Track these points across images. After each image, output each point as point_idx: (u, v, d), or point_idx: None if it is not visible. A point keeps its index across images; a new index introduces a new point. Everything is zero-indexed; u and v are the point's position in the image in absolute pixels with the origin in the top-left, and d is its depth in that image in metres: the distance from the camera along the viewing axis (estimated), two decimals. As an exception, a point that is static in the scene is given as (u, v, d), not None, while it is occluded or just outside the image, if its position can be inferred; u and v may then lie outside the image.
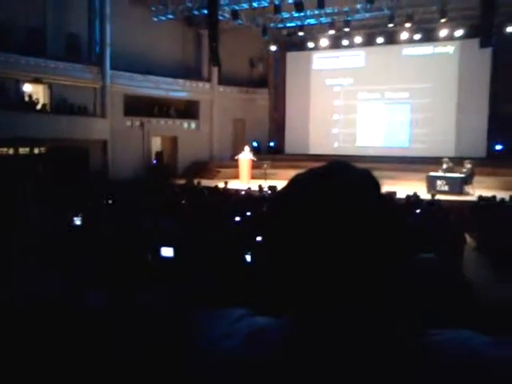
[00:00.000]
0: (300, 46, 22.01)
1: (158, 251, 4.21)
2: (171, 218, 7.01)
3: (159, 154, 20.80)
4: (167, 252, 4.20)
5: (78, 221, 5.75)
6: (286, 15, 18.87)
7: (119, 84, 18.35)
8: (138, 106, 19.38)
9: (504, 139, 18.54)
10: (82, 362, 1.32)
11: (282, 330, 0.74)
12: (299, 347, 0.70)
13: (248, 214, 8.59)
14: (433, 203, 11.03)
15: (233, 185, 15.45)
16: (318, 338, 0.69)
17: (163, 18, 19.09)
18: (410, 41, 19.33)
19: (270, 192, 12.86)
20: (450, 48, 19.42)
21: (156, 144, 20.86)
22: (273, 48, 21.43)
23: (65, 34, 17.11)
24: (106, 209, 8.75)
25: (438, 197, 12.32)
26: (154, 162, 20.38)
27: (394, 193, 12.31)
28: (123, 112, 18.80)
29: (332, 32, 19.26)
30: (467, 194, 14.27)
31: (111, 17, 17.77)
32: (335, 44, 20.80)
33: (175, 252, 4.15)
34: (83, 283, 1.67)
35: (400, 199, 11.66)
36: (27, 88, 16.10)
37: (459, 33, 18.31)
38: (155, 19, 19.01)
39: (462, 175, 14.52)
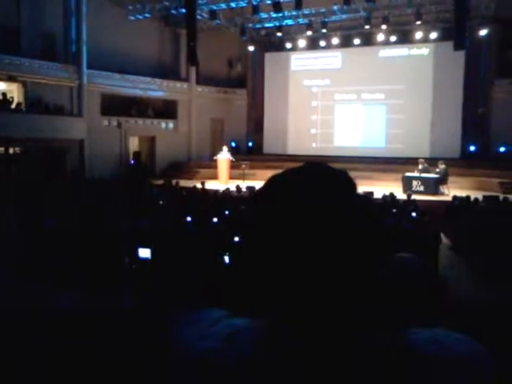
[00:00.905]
0: (278, 46, 22.10)
1: (136, 252, 4.16)
2: (149, 219, 6.95)
3: (137, 154, 20.63)
4: (144, 253, 4.15)
5: (51, 222, 5.64)
6: (264, 16, 18.89)
7: (96, 83, 18.12)
8: (116, 106, 19.19)
9: (477, 140, 18.93)
10: (55, 364, 1.30)
11: (260, 331, 0.73)
12: (276, 349, 0.70)
13: (226, 214, 8.59)
14: (409, 203, 11.18)
15: (211, 185, 15.41)
16: (295, 339, 0.69)
17: (140, 17, 18.92)
18: (386, 42, 19.57)
19: (248, 192, 12.87)
20: (424, 50, 19.72)
21: (134, 144, 20.68)
22: (251, 48, 21.45)
23: (40, 33, 16.79)
24: (82, 209, 8.63)
25: (414, 197, 12.47)
26: (132, 162, 20.19)
27: (371, 193, 12.45)
28: (100, 111, 18.57)
29: (309, 33, 19.39)
30: (442, 194, 14.51)
31: (87, 15, 17.54)
32: (313, 45, 20.97)
33: (152, 253, 4.11)
34: (57, 286, 1.64)
35: (377, 199, 11.79)
36: (1, 86, 15.78)
37: (434, 35, 18.65)
38: (132, 18, 18.84)
39: (437, 176, 14.75)
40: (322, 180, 0.72)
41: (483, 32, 17.63)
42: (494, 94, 18.86)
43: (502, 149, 18.23)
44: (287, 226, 0.67)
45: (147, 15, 18.84)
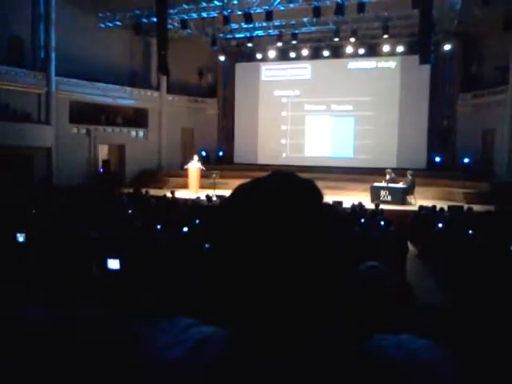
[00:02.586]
0: (249, 56, 22.28)
1: (104, 263, 4.10)
2: (118, 228, 6.87)
3: (106, 163, 20.36)
4: (113, 264, 4.08)
5: (21, 237, 5.50)
6: (235, 26, 19.01)
7: (65, 90, 17.86)
8: (85, 114, 18.90)
9: (442, 152, 19.44)
10: (22, 377, 1.28)
11: (227, 339, 0.73)
12: (243, 356, 0.70)
13: (196, 223, 8.56)
14: (377, 213, 11.35)
15: (181, 194, 15.32)
16: (261, 347, 0.68)
17: (111, 25, 18.78)
18: (355, 55, 19.99)
19: (218, 201, 12.85)
20: (392, 63, 20.20)
21: (103, 152, 20.41)
22: (222, 58, 21.54)
23: (7, 37, 16.47)
24: (50, 219, 8.46)
25: (382, 206, 12.66)
26: (101, 170, 19.90)
27: (341, 202, 12.59)
28: (69, 119, 18.28)
29: (280, 44, 19.64)
30: (409, 203, 14.77)
31: (57, 22, 17.30)
32: (283, 56, 21.24)
33: (121, 263, 4.04)
34: (24, 299, 1.62)
35: (346, 208, 11.93)
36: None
37: (400, 49, 19.13)
38: (102, 26, 18.67)
39: (404, 186, 15.04)
40: (287, 189, 0.72)
41: (447, 47, 18.21)
42: (458, 107, 19.47)
43: (466, 160, 18.78)
44: (252, 236, 0.67)
45: (118, 23, 18.71)
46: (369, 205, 13.12)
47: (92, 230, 6.29)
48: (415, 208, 13.07)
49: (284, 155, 22.02)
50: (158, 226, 7.96)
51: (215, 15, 17.68)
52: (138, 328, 1.25)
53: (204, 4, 17.12)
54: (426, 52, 12.82)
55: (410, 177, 15.21)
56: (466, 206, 12.15)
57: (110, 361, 1.26)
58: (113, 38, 19.38)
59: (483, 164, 18.58)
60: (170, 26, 17.37)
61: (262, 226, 0.67)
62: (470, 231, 8.68)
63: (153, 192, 15.05)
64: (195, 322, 0.82)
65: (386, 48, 19.24)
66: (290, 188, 0.72)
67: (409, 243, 9.46)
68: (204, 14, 17.70)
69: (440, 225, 9.58)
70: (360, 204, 11.97)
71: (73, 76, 17.92)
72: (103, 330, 1.36)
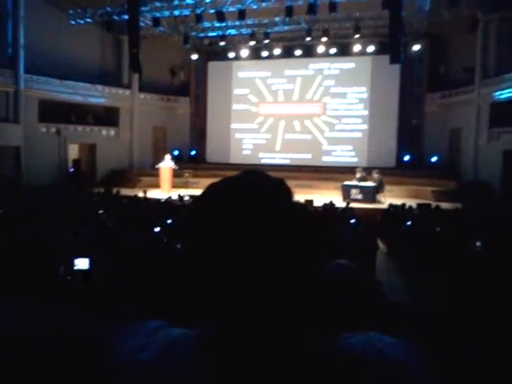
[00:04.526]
0: (221, 55, 22.23)
1: (72, 263, 4.03)
2: (88, 228, 6.79)
3: (76, 162, 20.01)
4: (82, 264, 4.03)
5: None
6: (207, 25, 18.95)
7: (34, 88, 17.46)
8: (55, 112, 18.50)
9: (411, 150, 19.82)
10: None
11: (198, 340, 0.73)
12: (213, 357, 0.70)
13: (169, 223, 8.52)
14: (347, 211, 11.50)
15: (153, 194, 15.22)
16: (232, 347, 0.69)
17: (81, 22, 18.45)
18: (327, 54, 20.15)
19: (190, 201, 12.80)
20: (363, 63, 20.42)
21: (73, 151, 20.06)
22: (194, 57, 21.43)
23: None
24: (17, 218, 8.30)
25: (353, 205, 12.84)
26: (71, 169, 19.57)
27: (312, 201, 12.70)
28: (38, 118, 17.89)
29: (252, 43, 19.67)
30: (379, 202, 15.03)
31: (25, 18, 16.91)
32: (255, 55, 21.26)
33: (91, 263, 3.99)
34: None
35: (317, 207, 12.04)
36: None
37: (371, 49, 19.38)
38: (73, 23, 18.34)
39: (374, 184, 15.28)
40: (257, 188, 0.72)
41: (416, 47, 18.55)
42: (426, 106, 19.87)
43: (433, 159, 19.20)
44: (222, 235, 0.68)
45: (88, 20, 18.38)
46: (340, 203, 13.28)
47: (61, 231, 6.20)
48: (385, 206, 13.30)
49: (256, 154, 22.08)
50: (130, 226, 7.90)
51: (187, 13, 17.56)
52: (106, 331, 1.26)
53: (176, 2, 16.98)
54: (395, 52, 13.02)
55: (376, 175, 15.46)
56: (434, 204, 12.42)
57: (78, 365, 1.25)
58: (83, 35, 19.03)
59: (450, 162, 19.04)
60: (141, 24, 17.20)
61: (232, 225, 0.68)
62: (438, 228, 8.88)
63: (124, 192, 14.90)
64: (165, 324, 0.82)
65: (357, 48, 19.46)
66: (260, 187, 0.73)
67: (378, 241, 9.63)
68: (176, 12, 17.54)
69: (409, 222, 9.77)
70: (331, 203, 12.10)
71: (42, 74, 17.53)
72: (70, 332, 1.35)
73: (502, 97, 16.07)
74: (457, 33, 17.92)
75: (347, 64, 20.74)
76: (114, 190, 14.55)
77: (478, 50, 17.24)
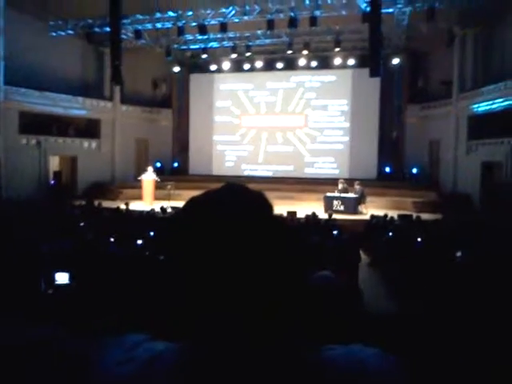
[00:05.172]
0: (203, 68, 22.31)
1: (52, 277, 3.98)
2: (69, 242, 6.71)
3: (57, 174, 19.78)
4: (62, 278, 3.98)
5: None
6: (189, 37, 19.01)
7: (14, 100, 17.22)
8: (35, 124, 18.24)
9: (392, 162, 20.07)
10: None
11: (180, 354, 0.73)
12: (196, 372, 0.69)
13: (151, 235, 8.46)
14: (330, 222, 11.56)
15: (136, 206, 15.11)
16: (215, 362, 0.68)
17: (62, 33, 18.35)
18: (308, 67, 20.38)
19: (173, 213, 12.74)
20: (343, 76, 20.68)
21: (54, 163, 19.83)
22: (176, 69, 21.47)
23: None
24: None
25: (335, 216, 12.90)
26: (52, 182, 19.33)
27: (294, 212, 12.75)
28: (18, 129, 17.65)
29: (234, 56, 19.79)
30: (361, 213, 15.15)
31: (5, 29, 16.73)
32: (237, 67, 21.40)
33: (71, 278, 3.94)
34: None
35: (300, 218, 12.09)
36: None
37: (352, 62, 19.67)
38: (54, 34, 18.24)
39: (356, 195, 15.40)
40: (238, 202, 0.73)
41: (396, 61, 18.89)
42: (406, 118, 20.18)
43: (414, 170, 19.46)
44: (204, 249, 0.68)
45: (70, 32, 18.30)
46: (322, 214, 13.34)
47: (41, 244, 6.11)
48: (367, 217, 13.40)
49: (239, 166, 22.13)
50: (111, 239, 7.83)
51: (170, 26, 17.62)
52: (88, 345, 1.25)
53: (158, 15, 17.03)
54: (375, 65, 13.20)
55: (357, 187, 15.60)
56: (414, 215, 12.56)
57: (60, 379, 1.24)
58: (65, 46, 18.94)
59: (430, 174, 19.32)
60: (123, 36, 17.18)
61: (213, 238, 0.68)
62: (419, 239, 8.97)
63: (106, 204, 14.78)
64: (146, 338, 0.81)
65: (337, 61, 19.72)
66: (240, 200, 0.73)
67: (361, 252, 9.68)
68: (158, 25, 17.59)
69: (390, 233, 9.86)
70: (314, 214, 12.15)
71: (22, 85, 17.35)
72: (52, 347, 1.34)
73: (480, 109, 16.41)
74: (434, 47, 18.29)
75: (328, 77, 20.97)
76: (96, 203, 14.42)
77: (455, 63, 17.63)
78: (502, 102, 15.06)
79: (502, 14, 15.41)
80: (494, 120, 15.74)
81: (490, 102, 15.68)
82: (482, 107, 16.22)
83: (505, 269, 5.99)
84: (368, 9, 13.74)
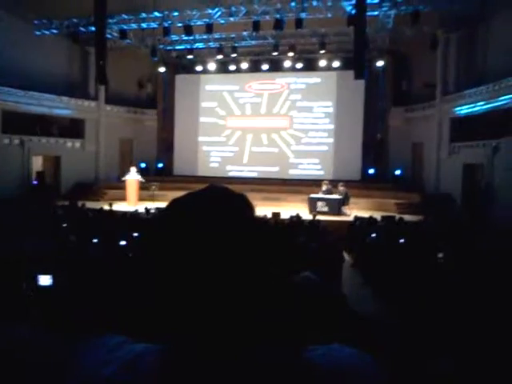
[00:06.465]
0: (189, 68, 22.27)
1: (35, 279, 3.95)
2: (51, 243, 6.65)
3: (40, 174, 19.56)
4: (45, 280, 3.94)
5: None
6: (175, 38, 18.96)
7: (-4, 99, 17.05)
8: (18, 123, 18.05)
9: (376, 164, 20.24)
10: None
11: (159, 356, 0.73)
12: (174, 374, 0.69)
13: (135, 236, 8.42)
14: (314, 223, 11.60)
15: (119, 207, 15.03)
16: (195, 361, 0.69)
17: (47, 33, 18.17)
18: (293, 69, 20.45)
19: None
20: (328, 78, 20.80)
21: (37, 163, 19.62)
22: (162, 69, 21.38)
23: None
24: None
25: (319, 217, 12.96)
26: (35, 182, 19.10)
27: (279, 213, 12.79)
28: (1, 129, 17.43)
29: (220, 57, 19.80)
30: (344, 214, 15.24)
31: (-12, 28, 16.54)
32: (223, 68, 21.39)
33: (54, 280, 3.91)
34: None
35: (284, 219, 12.13)
36: None
37: (337, 64, 19.76)
38: (38, 33, 18.04)
39: (340, 197, 15.50)
40: (219, 203, 0.73)
41: (380, 63, 19.06)
42: (390, 121, 20.36)
43: (397, 172, 19.64)
44: (184, 250, 0.68)
45: (54, 31, 18.13)
46: (307, 215, 13.40)
47: (24, 245, 6.05)
48: (350, 218, 13.48)
49: (224, 167, 22.13)
50: (95, 240, 7.77)
51: (155, 26, 17.55)
52: (70, 346, 1.25)
53: (144, 15, 16.97)
54: (360, 68, 13.29)
55: (341, 188, 15.71)
56: (397, 216, 12.67)
57: (40, 381, 1.24)
58: (49, 46, 18.76)
59: (413, 176, 19.53)
60: (108, 36, 17.07)
61: (193, 240, 0.68)
62: (402, 240, 9.06)
63: (90, 205, 14.67)
64: (128, 339, 0.81)
65: (322, 63, 19.82)
66: (222, 202, 0.74)
67: (344, 253, 9.75)
68: (144, 25, 17.52)
69: (373, 235, 9.94)
70: (298, 215, 12.19)
71: (6, 84, 17.13)
72: (34, 349, 1.34)
73: (462, 112, 16.64)
74: (418, 50, 18.48)
75: (313, 79, 21.09)
76: (79, 203, 14.30)
77: (439, 66, 17.84)
78: (483, 104, 15.28)
79: (485, 18, 15.65)
80: (475, 122, 15.99)
81: (472, 105, 15.90)
82: (465, 110, 16.44)
83: (484, 268, 6.09)
84: (353, 11, 13.85)
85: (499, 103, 14.49)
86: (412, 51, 19.27)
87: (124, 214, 12.21)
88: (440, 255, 7.40)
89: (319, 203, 15.35)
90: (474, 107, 15.87)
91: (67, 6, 16.66)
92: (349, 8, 14.98)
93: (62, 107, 19.70)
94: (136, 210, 13.22)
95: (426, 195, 17.51)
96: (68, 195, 18.46)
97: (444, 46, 17.54)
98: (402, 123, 20.00)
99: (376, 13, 15.39)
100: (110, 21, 16.61)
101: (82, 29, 17.85)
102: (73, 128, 20.71)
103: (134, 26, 17.58)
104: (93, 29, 16.08)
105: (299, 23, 15.54)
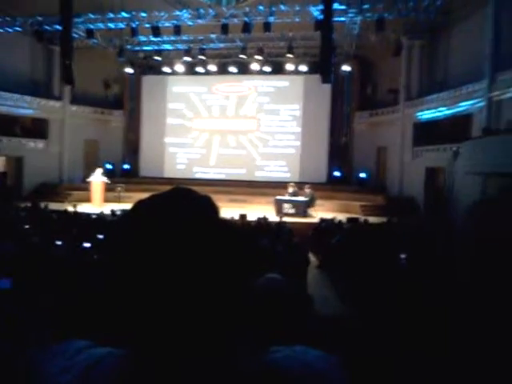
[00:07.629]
0: (156, 69, 22.07)
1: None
2: (12, 245, 6.51)
3: (2, 175, 19.06)
4: (3, 283, 3.85)
5: None
6: (143, 39, 18.80)
7: (-45, 98, 16.51)
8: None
9: (341, 166, 20.56)
10: None
11: (121, 360, 0.72)
12: (138, 378, 0.68)
13: (100, 238, 8.33)
14: (280, 225, 11.70)
15: (84, 208, 14.78)
16: (157, 367, 0.67)
17: (10, 30, 17.72)
18: (261, 72, 20.55)
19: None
20: (295, 82, 21.01)
21: (-1, 164, 19.13)
22: (128, 70, 21.10)
23: None
24: None
25: (285, 219, 13.07)
26: (-4, 183, 18.61)
27: (245, 215, 12.82)
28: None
29: (188, 58, 19.71)
30: (310, 216, 15.39)
31: None
32: (190, 70, 21.29)
33: (13, 282, 3.84)
34: None
35: (251, 221, 12.18)
36: None
37: (304, 68, 19.93)
38: (0, 30, 17.56)
39: (306, 199, 15.65)
40: (184, 205, 0.72)
41: (346, 68, 19.34)
42: (355, 124, 20.72)
43: (362, 174, 19.99)
44: (148, 252, 0.67)
45: (18, 29, 17.70)
46: (273, 217, 13.48)
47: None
48: (316, 220, 13.63)
49: (191, 169, 22.05)
50: (58, 242, 7.65)
51: (123, 26, 17.35)
52: (29, 353, 1.25)
53: (111, 15, 16.76)
54: (327, 72, 13.48)
55: (307, 190, 15.87)
56: (362, 218, 12.89)
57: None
58: (12, 44, 18.31)
59: (378, 178, 19.91)
60: (74, 35, 16.76)
61: (157, 242, 0.67)
62: (366, 242, 9.22)
63: (53, 206, 14.38)
64: (88, 344, 0.80)
65: (290, 66, 19.95)
66: (187, 203, 0.73)
67: (310, 254, 9.86)
68: (111, 25, 17.29)
69: (338, 236, 10.09)
70: (264, 217, 12.27)
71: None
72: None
73: (424, 117, 17.08)
74: (383, 56, 18.87)
75: (281, 82, 21.24)
76: (42, 204, 14.00)
77: (402, 72, 18.24)
78: (444, 110, 15.74)
79: (447, 26, 16.14)
80: (437, 127, 16.46)
81: (434, 111, 16.35)
82: (427, 115, 16.88)
83: (443, 271, 6.28)
84: (320, 17, 14.05)
85: (459, 109, 14.97)
86: (377, 57, 19.67)
87: (88, 215, 12.04)
88: (402, 256, 7.58)
89: (286, 205, 15.46)
90: (435, 112, 16.32)
91: (31, 3, 16.33)
92: (316, 13, 15.19)
93: (25, 107, 19.25)
94: (101, 212, 13.03)
95: (390, 197, 17.87)
96: (31, 196, 18.03)
97: (407, 52, 17.97)
98: (366, 127, 20.35)
99: (343, 19, 15.68)
100: (77, 20, 16.32)
101: (46, 27, 17.47)
102: (36, 128, 20.26)
103: (101, 25, 17.35)
104: (58, 27, 15.79)
105: (267, 27, 15.67)
